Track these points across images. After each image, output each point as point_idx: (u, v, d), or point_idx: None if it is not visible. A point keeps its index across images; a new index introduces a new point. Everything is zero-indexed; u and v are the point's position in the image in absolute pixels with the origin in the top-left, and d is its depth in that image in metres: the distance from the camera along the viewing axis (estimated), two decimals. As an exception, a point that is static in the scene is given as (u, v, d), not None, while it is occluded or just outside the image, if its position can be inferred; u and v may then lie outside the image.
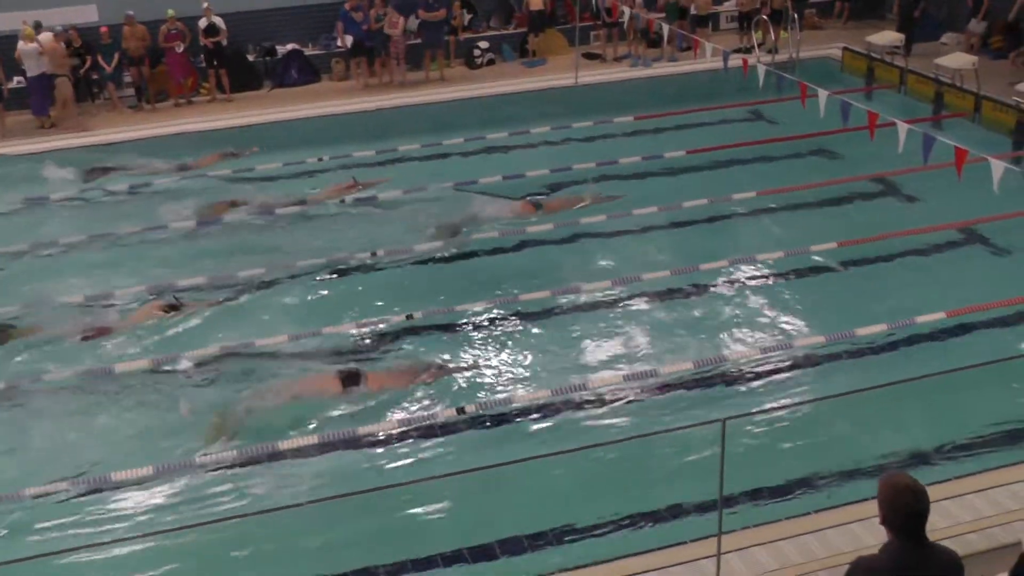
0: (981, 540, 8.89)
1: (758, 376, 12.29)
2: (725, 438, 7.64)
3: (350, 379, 11.91)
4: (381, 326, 13.44)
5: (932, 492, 8.96)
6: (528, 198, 17.30)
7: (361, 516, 9.73)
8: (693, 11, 25.48)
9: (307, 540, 9.71)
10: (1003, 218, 15.24)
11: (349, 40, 23.39)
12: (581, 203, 16.85)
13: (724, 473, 7.85)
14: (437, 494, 10.16)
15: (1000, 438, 10.86)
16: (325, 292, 14.81)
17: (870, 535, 8.45)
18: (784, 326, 13.41)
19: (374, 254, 15.49)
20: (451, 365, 12.47)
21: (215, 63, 23.09)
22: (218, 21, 22.75)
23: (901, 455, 10.67)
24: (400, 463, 10.88)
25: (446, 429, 11.39)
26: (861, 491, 9.56)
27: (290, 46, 24.46)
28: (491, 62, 25.28)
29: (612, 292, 14.33)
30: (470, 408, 11.58)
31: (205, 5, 22.57)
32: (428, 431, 11.35)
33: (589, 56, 25.21)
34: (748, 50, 24.46)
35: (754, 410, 11.06)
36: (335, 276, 15.08)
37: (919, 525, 5.82)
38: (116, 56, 22.68)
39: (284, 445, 10.94)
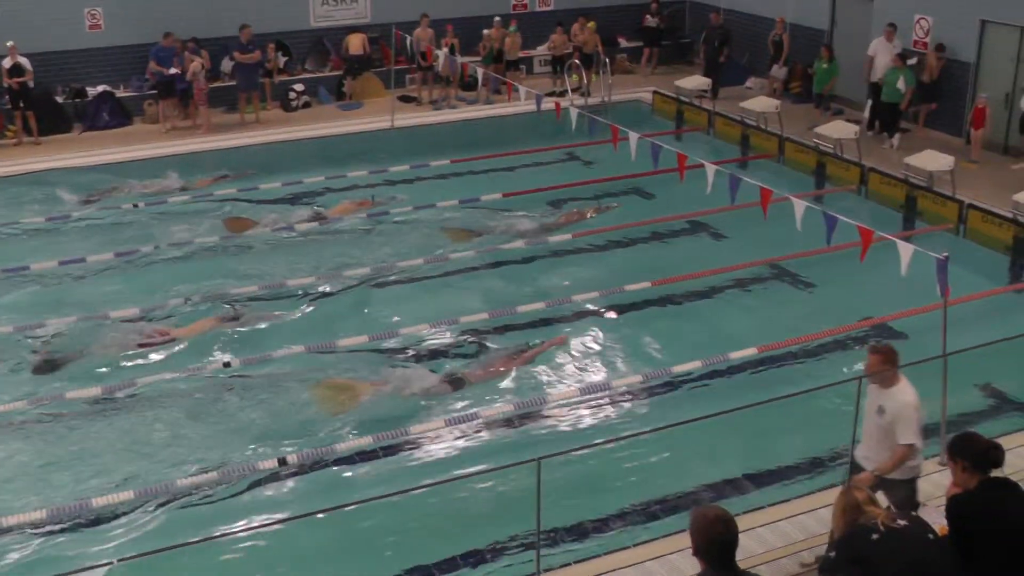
0: (791, 564, 9.18)
1: (576, 415, 12.43)
2: (541, 476, 7.67)
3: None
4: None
5: (746, 520, 9.30)
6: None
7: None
8: (506, 55, 25.83)
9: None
10: (806, 255, 15.81)
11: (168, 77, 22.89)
12: None
13: (541, 511, 7.88)
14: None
15: (805, 466, 11.24)
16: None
17: (688, 566, 8.61)
18: (601, 365, 13.61)
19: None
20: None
21: (21, 104, 22.30)
22: (24, 61, 21.98)
23: (716, 486, 10.93)
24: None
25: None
26: (678, 523, 9.74)
27: (101, 88, 23.82)
28: (307, 105, 25.10)
29: (431, 336, 14.30)
30: (291, 458, 11.39)
31: (10, 44, 21.75)
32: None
33: (405, 99, 25.28)
34: (561, 93, 24.91)
35: (570, 448, 11.14)
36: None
37: (729, 553, 5.97)
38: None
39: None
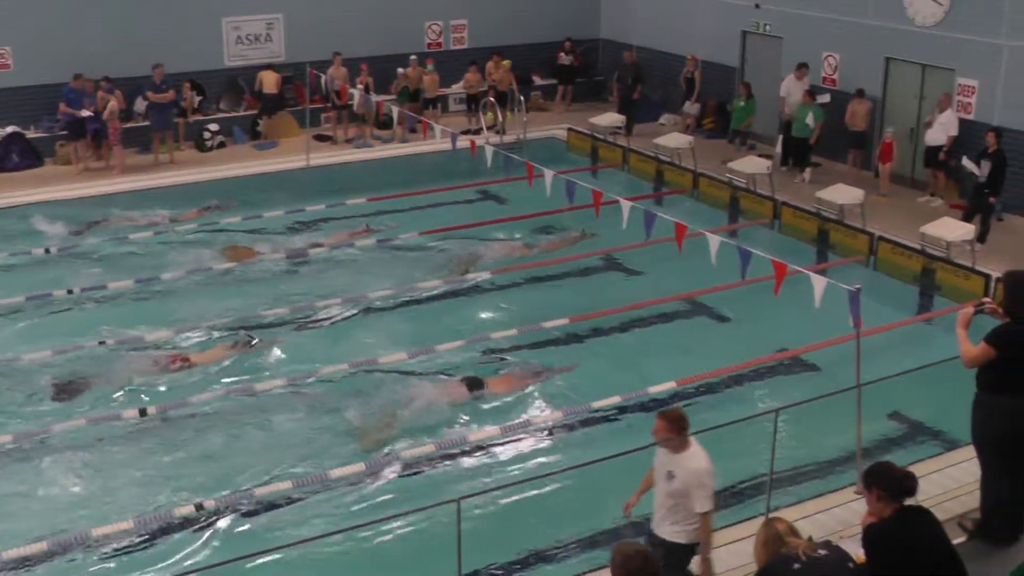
0: (712, 599, 9.19)
1: (495, 454, 12.41)
2: (460, 517, 7.64)
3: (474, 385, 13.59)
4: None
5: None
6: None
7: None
8: (422, 93, 25.87)
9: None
10: (722, 289, 15.99)
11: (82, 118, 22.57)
12: None
13: (461, 552, 7.85)
14: None
15: (724, 499, 11.28)
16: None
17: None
18: (520, 402, 13.59)
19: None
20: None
21: (-73, 146, 21.86)
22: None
23: (636, 522, 10.95)
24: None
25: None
26: (597, 560, 9.74)
27: (10, 128, 23.41)
28: (222, 145, 24.91)
29: (346, 375, 14.19)
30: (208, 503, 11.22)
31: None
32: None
33: (320, 138, 25.21)
34: (477, 131, 25.02)
35: (490, 488, 11.13)
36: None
37: (648, 589, 5.99)
38: None
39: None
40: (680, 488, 8.46)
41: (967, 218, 18.01)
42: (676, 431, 8.50)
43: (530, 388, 13.83)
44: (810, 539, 6.82)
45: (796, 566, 6.58)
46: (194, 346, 15.01)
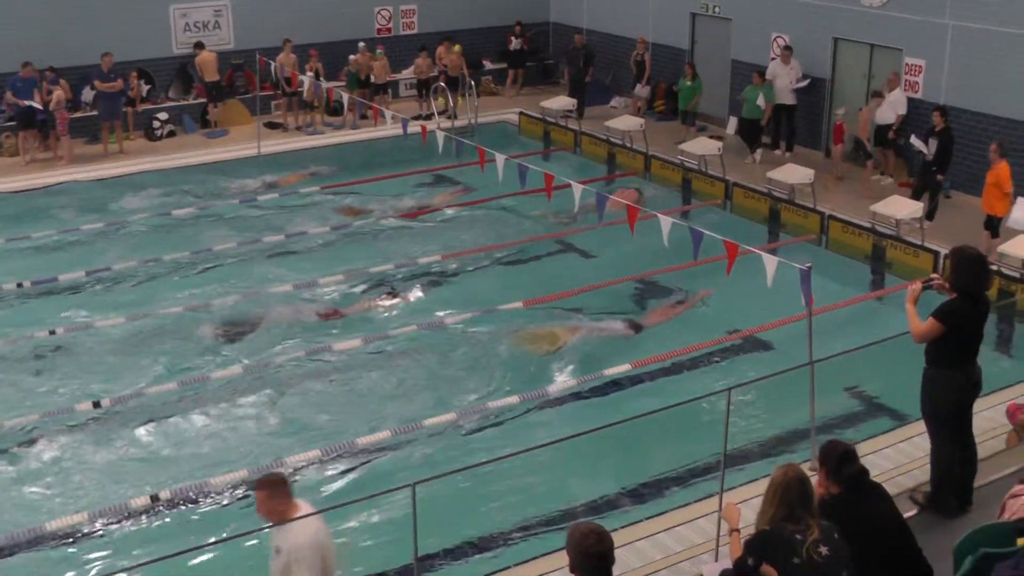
0: (672, 574, 9.27)
1: (452, 437, 12.41)
2: (416, 501, 7.64)
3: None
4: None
5: (625, 534, 9.40)
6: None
7: None
8: (372, 79, 25.77)
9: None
10: (674, 269, 16.07)
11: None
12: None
13: (417, 536, 7.85)
14: None
15: (680, 478, 11.41)
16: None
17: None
18: (477, 384, 13.61)
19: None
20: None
21: None
22: None
23: (593, 503, 11.03)
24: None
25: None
26: (555, 542, 9.77)
27: (-46, 120, 23.14)
28: (172, 134, 24.67)
29: (300, 364, 14.16)
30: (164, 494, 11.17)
31: None
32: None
33: (271, 125, 25.05)
34: (428, 117, 24.95)
35: (445, 472, 11.10)
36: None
37: (604, 567, 6.03)
38: None
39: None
40: (285, 564, 7.26)
41: (916, 196, 18.17)
42: (279, 496, 7.35)
43: (482, 372, 13.88)
44: (815, 523, 6.72)
45: (796, 561, 6.59)
46: (342, 298, 16.17)
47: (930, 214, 17.92)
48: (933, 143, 18.09)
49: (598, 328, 14.88)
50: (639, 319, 15.39)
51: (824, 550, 6.61)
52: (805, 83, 22.03)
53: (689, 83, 23.70)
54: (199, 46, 24.69)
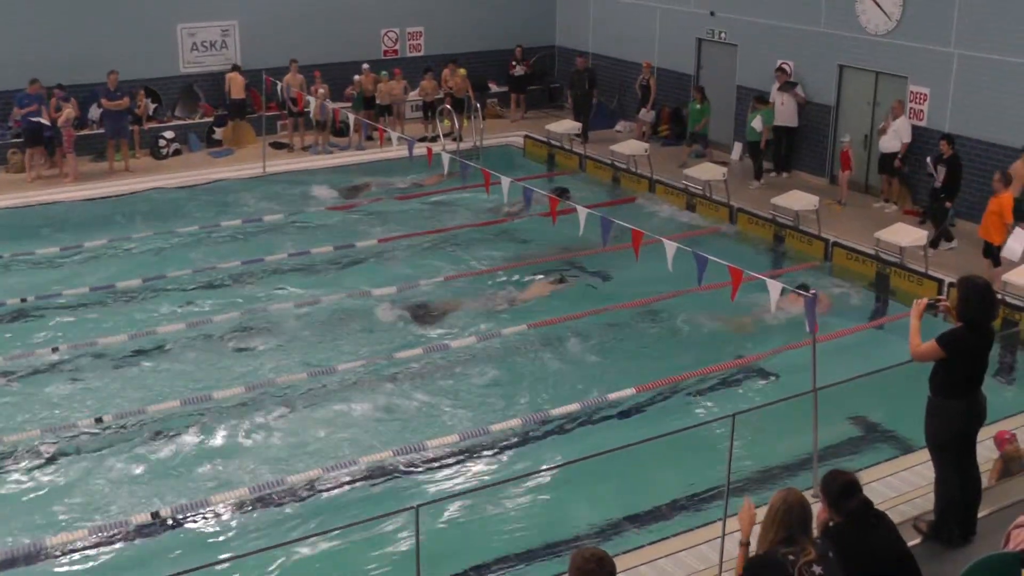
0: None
1: (454, 460, 12.40)
2: (419, 524, 7.63)
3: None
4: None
5: (627, 560, 9.37)
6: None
7: None
8: (378, 100, 25.84)
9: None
10: (678, 294, 16.07)
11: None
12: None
13: (420, 559, 7.84)
14: None
15: (682, 504, 11.38)
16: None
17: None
18: (480, 410, 13.61)
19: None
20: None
21: None
22: None
23: (596, 528, 11.00)
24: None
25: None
26: (556, 567, 9.76)
27: (-40, 137, 23.20)
28: (177, 152, 24.74)
29: (307, 384, 14.16)
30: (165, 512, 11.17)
31: None
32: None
33: (276, 145, 25.11)
34: (433, 139, 25.00)
35: (449, 495, 11.12)
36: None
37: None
38: None
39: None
40: None
41: (924, 222, 18.20)
42: None
43: (487, 397, 13.92)
44: (811, 544, 6.73)
45: None
46: (516, 284, 17.34)
47: (934, 242, 17.93)
48: (941, 170, 18.13)
49: None
50: None
51: (818, 570, 6.60)
52: (801, 96, 22.06)
53: (698, 106, 23.73)
54: (234, 68, 25.13)
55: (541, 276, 17.49)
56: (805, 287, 12.88)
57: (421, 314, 16.29)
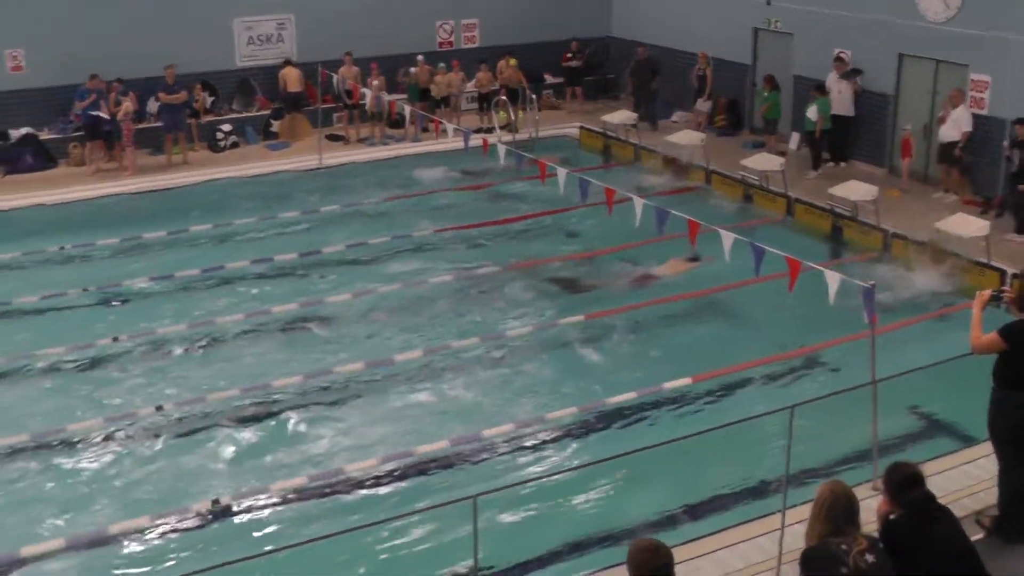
0: (730, 594, 9.22)
1: (512, 450, 12.41)
2: (477, 514, 7.64)
3: None
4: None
5: (684, 551, 9.32)
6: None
7: None
8: (433, 93, 25.90)
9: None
10: (737, 286, 15.96)
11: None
12: None
13: (478, 550, 7.85)
14: None
15: (744, 494, 11.31)
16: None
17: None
18: (535, 399, 13.62)
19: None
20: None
21: (-58, 149, 21.93)
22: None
23: (653, 518, 10.97)
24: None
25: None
26: (615, 557, 9.74)
27: (24, 130, 23.49)
28: (235, 145, 24.96)
29: (364, 374, 14.21)
30: (225, 499, 11.28)
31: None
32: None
33: (332, 138, 25.24)
34: (489, 130, 25.02)
35: (506, 485, 11.12)
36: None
37: (661, 583, 6.00)
38: None
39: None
40: None
41: (1003, 213, 18.07)
42: None
43: (542, 385, 13.99)
44: (861, 534, 6.72)
45: (844, 571, 6.53)
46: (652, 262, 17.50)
47: (1021, 227, 17.75)
48: (1016, 154, 17.88)
49: None
50: None
51: (870, 558, 6.59)
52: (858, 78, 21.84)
53: (766, 94, 23.54)
54: (287, 63, 25.33)
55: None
56: None
57: (564, 288, 17.00)
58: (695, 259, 16.85)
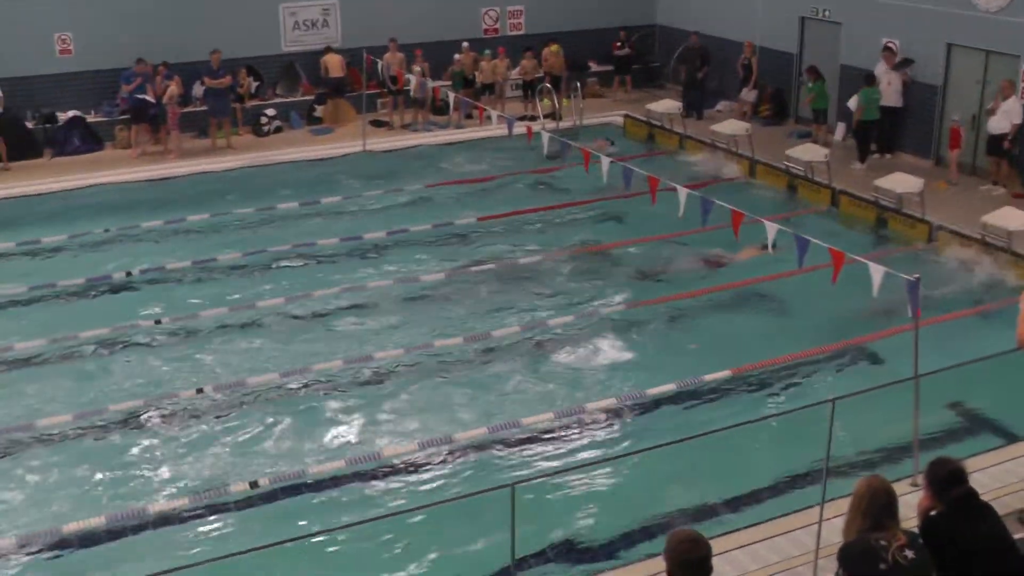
0: (767, 588, 9.16)
1: (550, 439, 12.39)
2: (515, 503, 7.63)
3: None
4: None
5: (721, 543, 9.27)
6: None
7: None
8: (479, 80, 25.88)
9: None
10: (778, 277, 15.85)
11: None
12: None
13: (516, 537, 7.84)
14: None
15: (780, 488, 11.24)
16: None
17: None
18: (575, 388, 13.60)
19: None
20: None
21: (-9, 130, 22.13)
22: (-7, 87, 21.91)
23: (690, 509, 10.93)
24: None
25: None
26: (651, 549, 9.71)
27: (71, 113, 23.69)
28: (279, 130, 25.05)
29: (404, 361, 14.26)
30: (263, 481, 11.34)
31: (-22, 71, 21.69)
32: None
33: (376, 123, 25.28)
34: (533, 118, 24.96)
35: (545, 473, 11.11)
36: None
37: (699, 574, 5.96)
38: None
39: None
40: None
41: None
42: None
43: (582, 375, 13.96)
44: (900, 529, 6.67)
45: (882, 567, 6.49)
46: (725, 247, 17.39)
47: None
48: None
49: None
50: None
51: (910, 554, 6.54)
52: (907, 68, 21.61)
53: (811, 84, 23.34)
54: (328, 49, 25.35)
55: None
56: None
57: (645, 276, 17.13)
58: (765, 247, 16.59)
